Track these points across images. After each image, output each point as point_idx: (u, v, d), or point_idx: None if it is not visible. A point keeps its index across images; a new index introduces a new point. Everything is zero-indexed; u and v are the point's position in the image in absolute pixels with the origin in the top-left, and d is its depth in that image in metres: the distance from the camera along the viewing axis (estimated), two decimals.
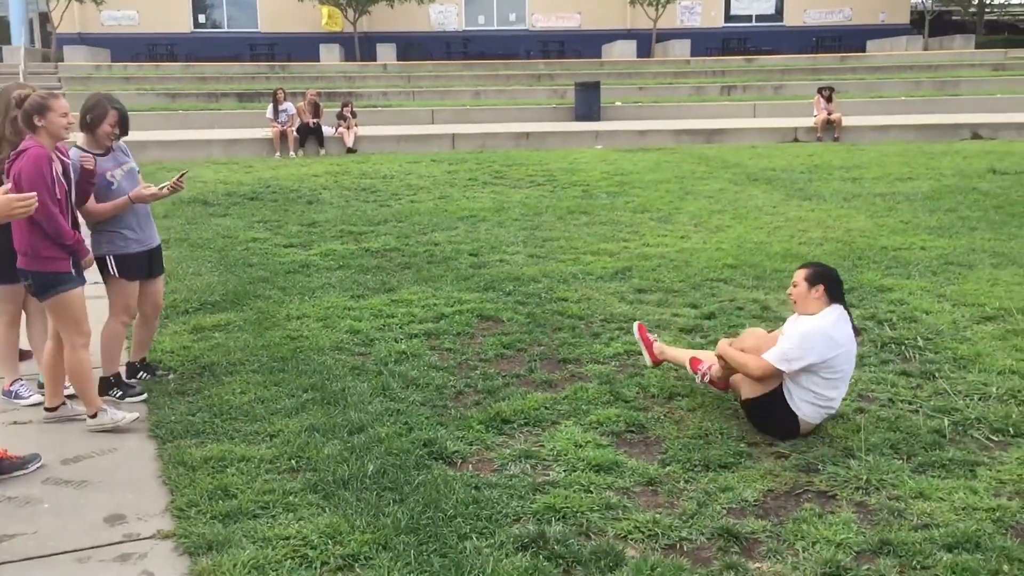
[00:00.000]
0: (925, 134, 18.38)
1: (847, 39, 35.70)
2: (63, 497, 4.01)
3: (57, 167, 4.49)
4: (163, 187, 5.12)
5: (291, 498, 3.87)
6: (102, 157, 5.00)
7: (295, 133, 17.21)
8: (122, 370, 5.27)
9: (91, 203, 4.93)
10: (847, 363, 4.50)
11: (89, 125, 4.96)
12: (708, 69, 29.46)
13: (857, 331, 4.61)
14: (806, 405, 4.43)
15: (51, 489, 4.09)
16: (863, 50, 33.86)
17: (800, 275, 4.56)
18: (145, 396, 5.10)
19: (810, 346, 4.35)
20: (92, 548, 3.57)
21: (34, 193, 3.95)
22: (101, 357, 5.15)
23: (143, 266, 5.16)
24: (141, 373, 5.38)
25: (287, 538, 3.55)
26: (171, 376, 5.38)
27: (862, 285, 7.13)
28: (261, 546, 3.50)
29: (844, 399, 4.90)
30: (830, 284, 4.52)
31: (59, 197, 4.47)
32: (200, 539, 3.55)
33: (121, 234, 5.04)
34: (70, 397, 4.95)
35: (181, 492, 3.97)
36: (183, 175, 5.22)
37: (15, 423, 4.68)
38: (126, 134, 5.12)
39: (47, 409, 4.85)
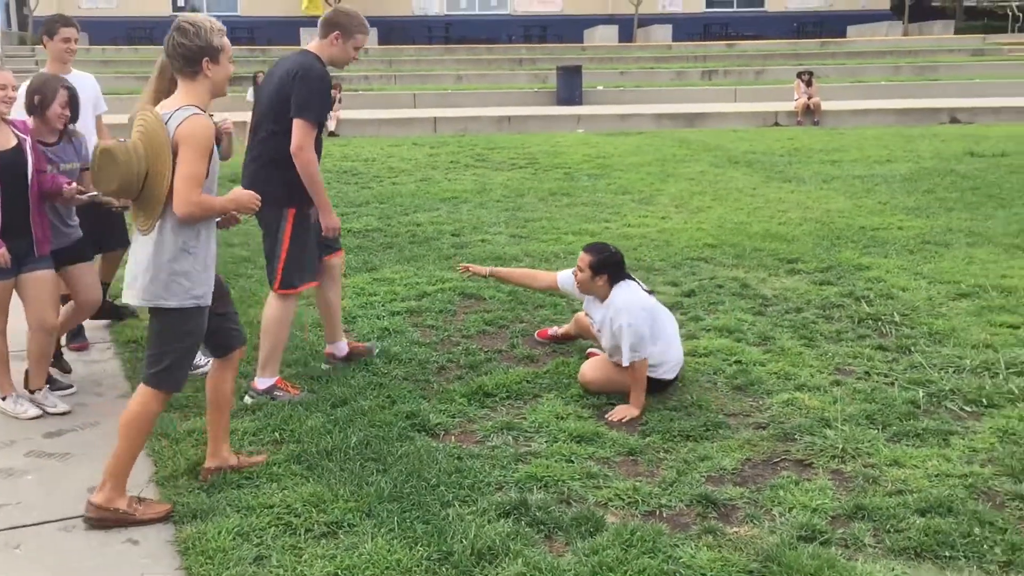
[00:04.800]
0: (904, 118, 18.50)
1: (828, 24, 35.79)
2: (46, 469, 4.03)
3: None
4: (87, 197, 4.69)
5: (275, 468, 3.90)
6: (49, 147, 4.73)
7: None
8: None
9: None
10: (668, 323, 4.70)
11: (38, 107, 4.68)
12: (689, 54, 29.47)
13: (650, 292, 4.85)
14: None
15: (34, 461, 4.10)
16: (844, 35, 33.96)
17: (585, 261, 4.67)
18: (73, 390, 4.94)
19: (639, 322, 4.49)
20: (76, 517, 3.59)
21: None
22: None
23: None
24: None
25: (271, 506, 3.58)
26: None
27: (840, 264, 7.21)
28: (245, 514, 3.53)
29: (821, 373, 4.99)
30: (613, 270, 4.67)
31: None
32: (185, 508, 3.58)
33: None
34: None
35: (164, 463, 3.99)
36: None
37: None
38: (76, 119, 4.89)
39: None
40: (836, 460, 4.01)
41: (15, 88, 4.30)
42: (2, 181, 4.34)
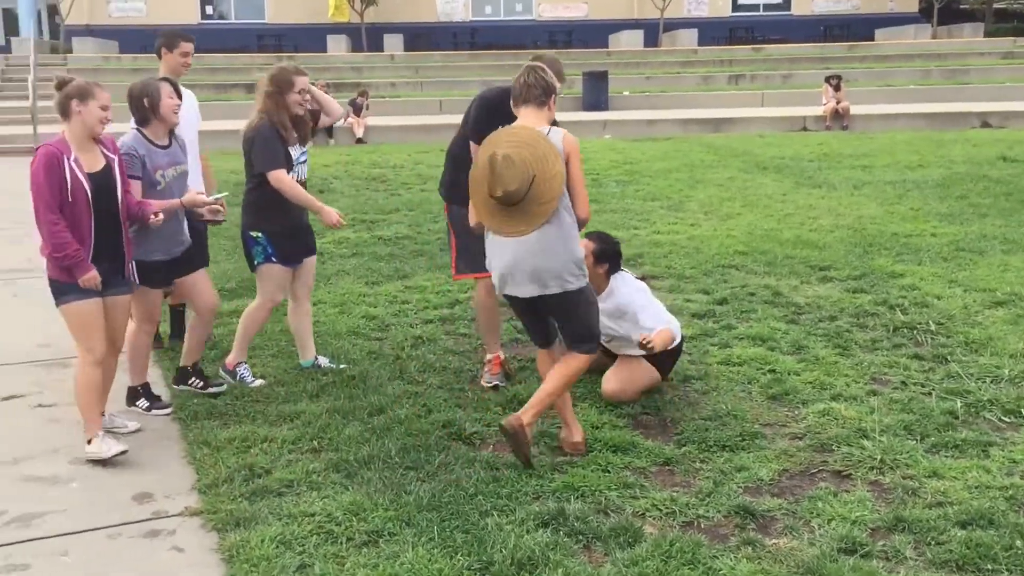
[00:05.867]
0: (934, 122, 18.36)
1: (855, 28, 35.55)
2: (91, 477, 4.09)
3: (82, 164, 4.12)
4: (212, 199, 4.85)
5: (315, 477, 3.95)
6: (162, 149, 4.66)
7: None
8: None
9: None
10: (654, 304, 4.97)
11: (151, 109, 4.59)
12: (716, 59, 29.37)
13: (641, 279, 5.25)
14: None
15: (78, 469, 4.16)
16: (871, 39, 33.72)
17: (589, 247, 4.77)
18: (171, 409, 4.80)
19: (648, 303, 4.86)
20: (122, 525, 3.65)
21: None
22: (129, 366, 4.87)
23: (163, 274, 4.75)
24: (141, 400, 4.84)
25: (312, 515, 3.62)
26: (169, 410, 4.84)
27: (874, 271, 7.17)
28: (287, 522, 3.57)
29: (857, 383, 4.97)
30: (614, 261, 4.90)
31: (71, 201, 4.04)
32: (227, 516, 3.63)
33: (148, 239, 4.58)
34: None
35: (206, 471, 4.04)
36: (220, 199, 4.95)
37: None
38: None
39: None
40: (874, 471, 4.00)
41: None
42: (95, 203, 4.15)
